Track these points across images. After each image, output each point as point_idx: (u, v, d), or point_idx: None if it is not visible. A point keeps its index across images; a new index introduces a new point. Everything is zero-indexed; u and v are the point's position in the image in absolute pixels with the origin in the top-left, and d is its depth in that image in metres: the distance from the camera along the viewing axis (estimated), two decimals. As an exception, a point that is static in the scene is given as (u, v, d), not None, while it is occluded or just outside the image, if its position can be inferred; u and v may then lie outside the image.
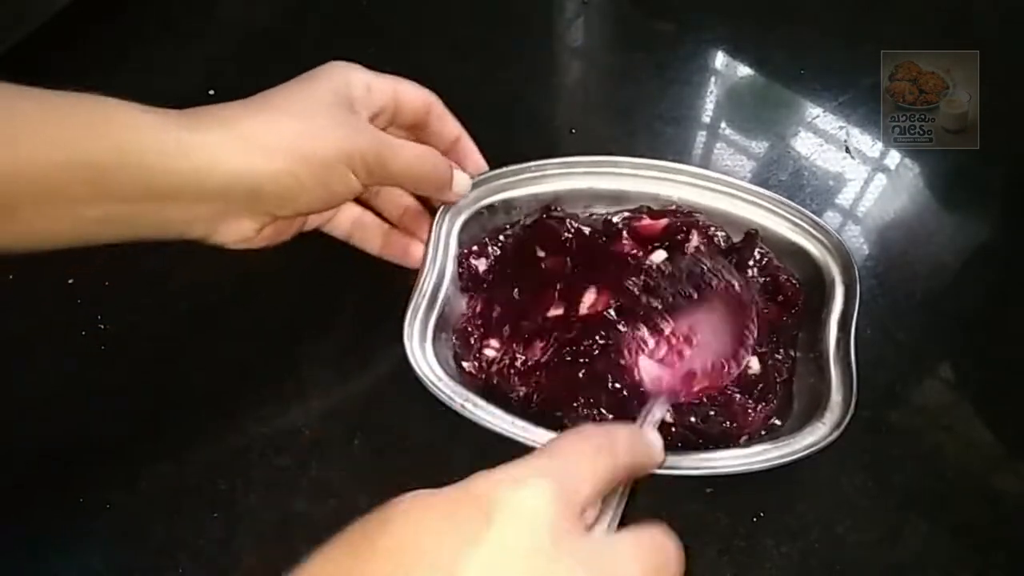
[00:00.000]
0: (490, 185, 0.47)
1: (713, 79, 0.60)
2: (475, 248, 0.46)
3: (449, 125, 0.44)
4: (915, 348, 0.47)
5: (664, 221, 0.46)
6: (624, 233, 0.46)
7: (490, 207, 0.47)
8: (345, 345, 0.47)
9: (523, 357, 0.42)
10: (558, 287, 0.44)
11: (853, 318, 0.42)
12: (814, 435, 0.38)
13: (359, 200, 0.45)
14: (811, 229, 0.45)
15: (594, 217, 0.48)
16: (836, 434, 0.38)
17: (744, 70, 0.61)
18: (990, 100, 0.54)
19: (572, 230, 0.46)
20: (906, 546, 0.41)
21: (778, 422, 0.41)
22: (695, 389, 0.40)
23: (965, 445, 0.44)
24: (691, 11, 0.64)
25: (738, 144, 0.56)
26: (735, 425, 0.40)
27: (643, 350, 0.41)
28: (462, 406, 0.39)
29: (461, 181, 0.44)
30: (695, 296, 0.42)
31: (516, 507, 0.24)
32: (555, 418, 0.40)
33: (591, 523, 0.28)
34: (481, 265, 0.46)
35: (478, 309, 0.45)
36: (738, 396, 0.41)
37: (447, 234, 0.45)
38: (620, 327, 0.42)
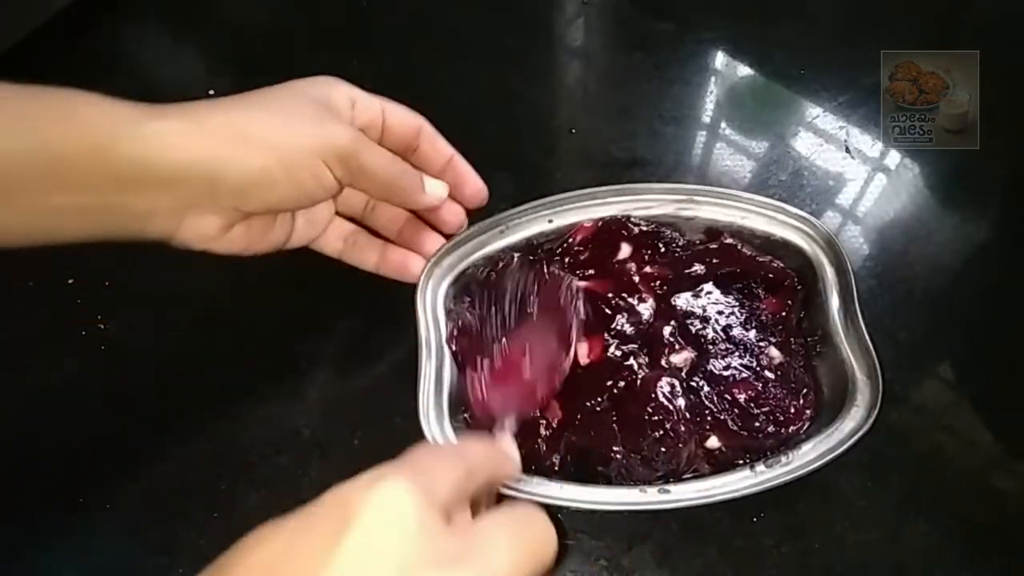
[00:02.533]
0: (465, 247, 0.46)
1: (713, 79, 0.60)
2: (461, 322, 0.44)
3: (440, 146, 0.43)
4: (915, 348, 0.47)
5: (590, 225, 0.46)
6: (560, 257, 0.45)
7: (466, 270, 0.45)
8: (345, 344, 0.47)
9: (544, 422, 0.41)
10: None
11: (854, 294, 0.42)
12: (854, 420, 0.39)
13: (353, 219, 0.45)
14: (786, 218, 0.45)
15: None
16: (875, 414, 0.39)
17: (744, 70, 0.61)
18: (990, 100, 0.54)
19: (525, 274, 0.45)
20: (906, 546, 0.41)
21: (812, 412, 0.42)
22: (538, 397, 0.40)
23: (965, 445, 0.44)
24: (691, 11, 0.64)
25: (738, 144, 0.56)
26: (784, 420, 0.41)
27: (482, 377, 0.41)
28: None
29: (434, 185, 0.42)
30: (518, 313, 0.42)
31: (377, 504, 0.23)
32: (596, 472, 0.40)
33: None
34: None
35: None
36: (775, 392, 0.41)
37: (433, 308, 0.44)
38: (629, 362, 0.42)
